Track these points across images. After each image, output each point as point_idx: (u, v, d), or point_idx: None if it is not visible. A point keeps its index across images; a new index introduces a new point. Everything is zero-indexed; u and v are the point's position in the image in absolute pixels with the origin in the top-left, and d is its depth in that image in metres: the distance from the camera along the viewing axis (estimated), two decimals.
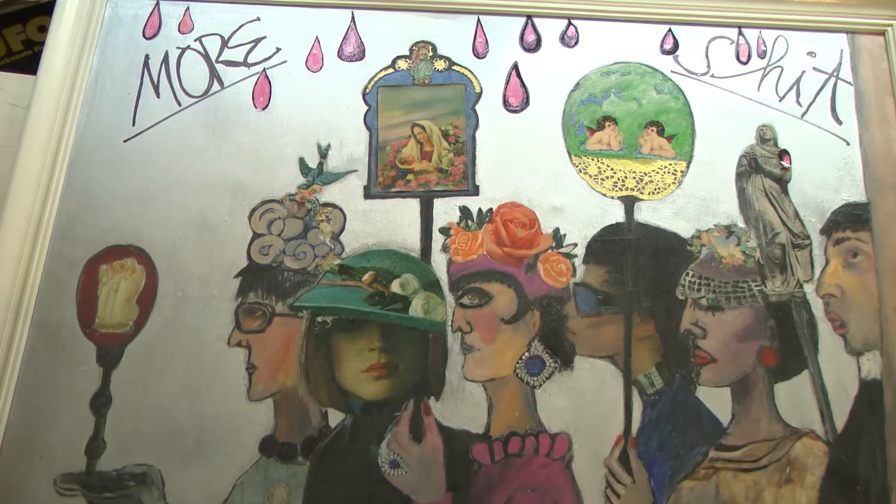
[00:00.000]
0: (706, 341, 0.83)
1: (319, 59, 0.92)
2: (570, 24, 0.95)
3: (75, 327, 0.80)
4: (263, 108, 0.89)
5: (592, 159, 0.89)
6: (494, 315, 0.83)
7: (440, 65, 0.92)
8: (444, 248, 0.85)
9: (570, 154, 0.89)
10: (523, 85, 0.92)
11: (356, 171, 0.87)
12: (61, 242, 0.83)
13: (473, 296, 0.83)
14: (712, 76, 0.94)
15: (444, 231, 0.85)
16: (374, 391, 0.80)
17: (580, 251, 0.85)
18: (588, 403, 0.81)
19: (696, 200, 0.88)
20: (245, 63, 0.91)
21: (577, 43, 0.94)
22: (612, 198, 0.88)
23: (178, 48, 0.91)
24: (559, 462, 0.79)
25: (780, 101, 0.93)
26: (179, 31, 0.92)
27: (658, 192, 0.88)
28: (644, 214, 0.87)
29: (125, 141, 0.87)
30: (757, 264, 0.86)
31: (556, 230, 0.86)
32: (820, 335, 0.84)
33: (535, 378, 0.81)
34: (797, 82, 0.94)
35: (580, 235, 0.86)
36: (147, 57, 0.90)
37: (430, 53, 0.92)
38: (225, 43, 0.92)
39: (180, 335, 0.80)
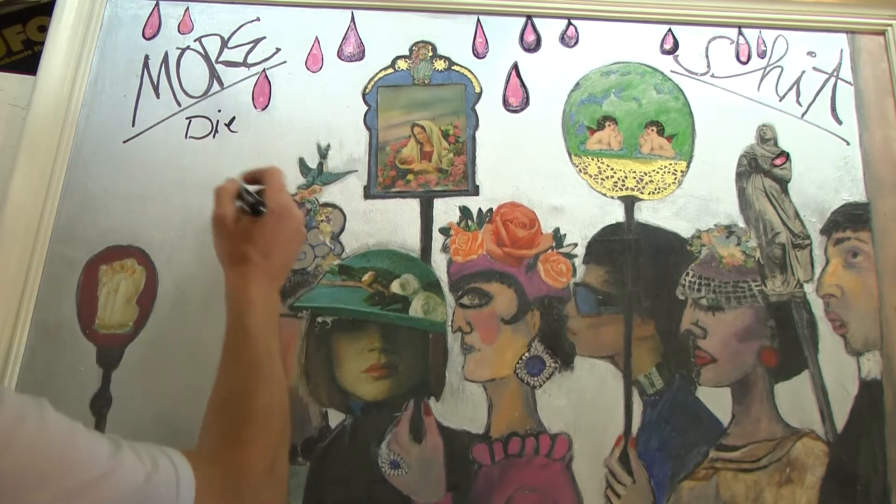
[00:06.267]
0: (706, 341, 0.83)
1: (319, 59, 0.91)
2: (569, 24, 0.95)
3: (75, 328, 0.80)
4: (263, 109, 0.89)
5: (592, 159, 0.89)
6: (494, 315, 0.83)
7: (440, 65, 0.92)
8: (444, 249, 0.85)
9: (570, 154, 0.89)
10: (523, 85, 0.92)
11: (356, 171, 0.87)
12: (61, 243, 0.83)
13: (473, 296, 0.83)
14: (712, 76, 0.94)
15: (444, 231, 0.85)
16: (374, 392, 0.80)
17: (580, 251, 0.85)
18: (588, 404, 0.81)
19: (696, 200, 0.88)
20: (245, 63, 0.91)
21: (576, 43, 0.94)
22: (613, 198, 0.88)
23: (177, 48, 0.91)
24: (559, 462, 0.79)
25: (780, 101, 0.93)
26: (179, 31, 0.92)
27: (658, 192, 0.88)
28: (644, 214, 0.87)
29: (125, 141, 0.87)
30: (757, 264, 0.86)
31: (557, 230, 0.86)
32: (820, 335, 0.84)
33: (536, 378, 0.81)
34: (797, 82, 0.94)
35: (580, 235, 0.86)
36: (147, 57, 0.90)
37: (430, 53, 0.92)
38: (225, 43, 0.91)
39: (180, 336, 0.80)
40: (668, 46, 0.95)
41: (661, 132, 0.90)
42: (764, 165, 0.90)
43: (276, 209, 0.71)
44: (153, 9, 0.93)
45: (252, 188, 0.73)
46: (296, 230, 0.74)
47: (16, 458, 0.41)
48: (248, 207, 0.72)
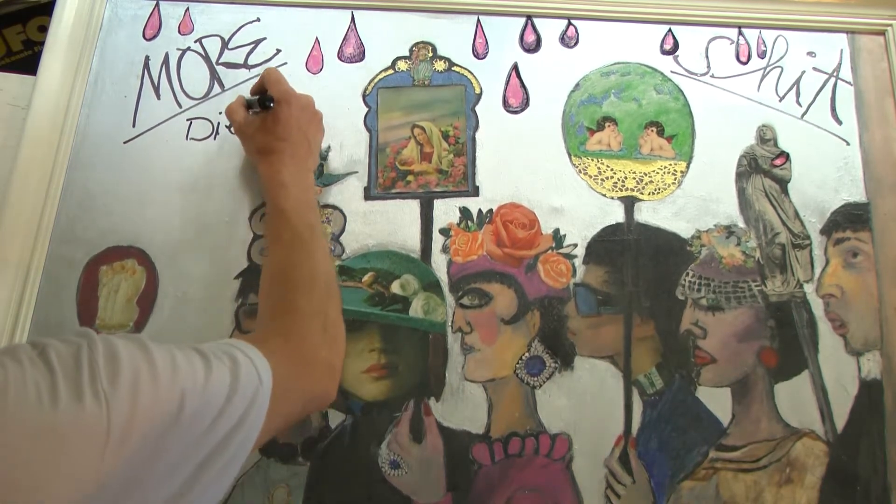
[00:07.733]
0: (706, 341, 0.83)
1: (319, 60, 0.91)
2: (569, 24, 0.95)
3: (76, 328, 0.80)
4: None
5: (592, 160, 0.89)
6: (494, 315, 0.83)
7: (440, 66, 0.92)
8: (444, 249, 0.85)
9: (569, 155, 0.89)
10: (523, 86, 0.92)
11: (356, 172, 0.87)
12: (61, 243, 0.83)
13: (473, 296, 0.83)
14: (712, 76, 0.94)
15: (444, 232, 0.85)
16: (374, 392, 0.80)
17: (580, 251, 0.85)
18: (588, 404, 0.81)
19: (696, 201, 0.88)
20: (245, 65, 0.91)
21: (576, 43, 0.94)
22: (612, 198, 0.88)
23: (178, 49, 0.91)
24: (559, 462, 0.79)
25: (780, 101, 0.93)
26: (179, 32, 0.92)
27: (658, 193, 0.88)
28: (644, 215, 0.87)
29: (125, 142, 0.87)
30: (757, 264, 0.86)
31: (556, 231, 0.86)
32: (820, 335, 0.84)
33: (536, 378, 0.81)
34: (797, 82, 0.94)
35: (580, 236, 0.86)
36: (147, 58, 0.90)
37: (430, 54, 0.92)
38: (225, 44, 0.91)
39: (181, 336, 0.80)
40: (667, 47, 0.95)
41: (660, 133, 0.90)
42: (764, 166, 0.90)
43: (281, 97, 0.77)
44: (153, 9, 0.93)
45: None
46: (308, 110, 0.81)
47: (143, 406, 0.44)
48: (259, 107, 0.78)
